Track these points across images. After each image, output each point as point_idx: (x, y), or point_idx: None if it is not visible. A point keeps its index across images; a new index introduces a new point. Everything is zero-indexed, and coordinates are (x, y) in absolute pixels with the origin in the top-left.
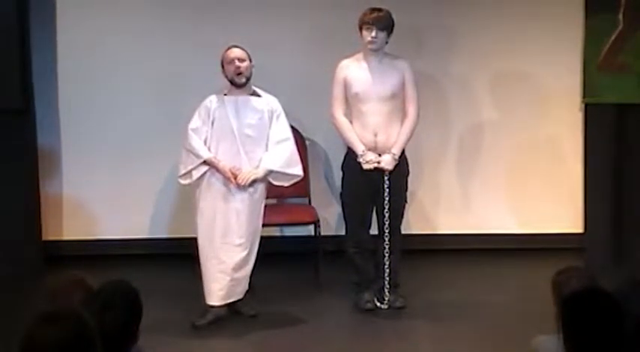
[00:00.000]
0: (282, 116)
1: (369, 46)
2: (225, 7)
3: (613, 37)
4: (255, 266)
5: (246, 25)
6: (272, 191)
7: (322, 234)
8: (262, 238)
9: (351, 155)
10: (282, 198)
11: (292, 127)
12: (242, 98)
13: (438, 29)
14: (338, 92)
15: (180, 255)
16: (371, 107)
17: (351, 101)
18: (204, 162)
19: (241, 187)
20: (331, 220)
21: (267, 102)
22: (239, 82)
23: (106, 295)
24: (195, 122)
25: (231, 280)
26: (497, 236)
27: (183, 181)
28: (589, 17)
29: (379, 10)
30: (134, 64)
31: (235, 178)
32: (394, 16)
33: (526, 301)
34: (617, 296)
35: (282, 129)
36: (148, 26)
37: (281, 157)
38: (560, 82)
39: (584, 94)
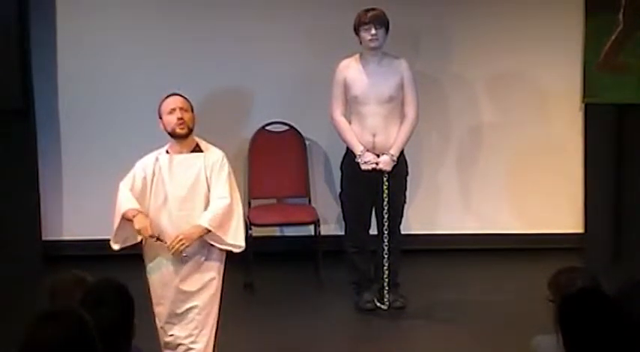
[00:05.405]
0: (225, 172)
1: (371, 44)
2: (227, 7)
3: (613, 37)
4: (254, 267)
5: (247, 24)
6: (272, 191)
7: (322, 234)
8: (262, 238)
9: (350, 155)
10: (282, 197)
11: (292, 127)
12: (177, 158)
13: (436, 29)
14: (337, 93)
15: None
16: (370, 109)
17: (350, 103)
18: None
19: (176, 254)
20: (331, 220)
21: (207, 158)
22: (181, 133)
23: (98, 292)
24: (128, 181)
25: None
26: (497, 236)
27: (114, 246)
28: (589, 17)
29: (373, 9)
30: (134, 63)
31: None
32: (393, 18)
33: (526, 301)
34: (616, 297)
35: (221, 187)
36: (149, 26)
37: (215, 215)
38: (560, 82)
39: (584, 94)
